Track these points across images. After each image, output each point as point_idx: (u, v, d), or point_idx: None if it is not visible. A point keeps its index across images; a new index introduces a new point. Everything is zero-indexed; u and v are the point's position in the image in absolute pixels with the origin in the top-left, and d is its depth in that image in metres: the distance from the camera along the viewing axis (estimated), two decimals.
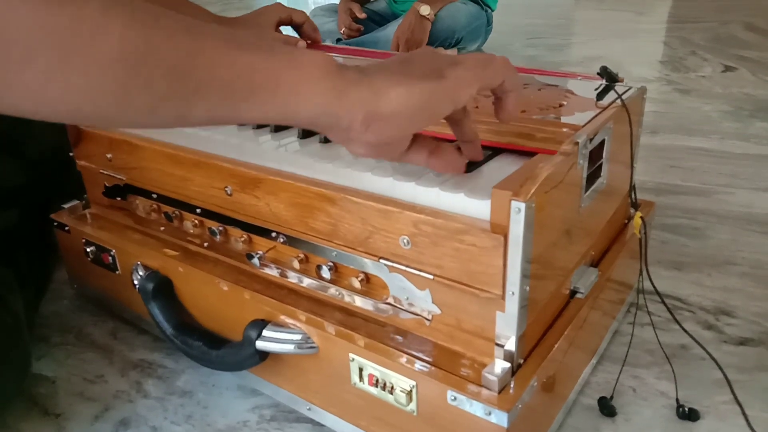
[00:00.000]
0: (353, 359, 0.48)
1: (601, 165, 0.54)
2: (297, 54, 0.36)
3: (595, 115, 0.53)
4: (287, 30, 0.89)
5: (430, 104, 0.38)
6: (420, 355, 0.46)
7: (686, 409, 0.56)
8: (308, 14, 2.28)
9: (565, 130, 0.50)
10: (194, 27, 0.33)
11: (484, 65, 0.41)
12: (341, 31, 2.02)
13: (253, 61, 0.34)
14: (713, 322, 0.69)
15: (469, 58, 0.41)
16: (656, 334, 0.63)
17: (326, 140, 0.54)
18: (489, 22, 2.08)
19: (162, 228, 0.65)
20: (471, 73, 0.39)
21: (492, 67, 0.41)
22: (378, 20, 2.10)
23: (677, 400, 0.57)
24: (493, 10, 2.09)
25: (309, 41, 0.89)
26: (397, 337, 0.49)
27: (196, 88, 0.32)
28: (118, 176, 0.66)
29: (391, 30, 1.88)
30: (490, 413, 0.42)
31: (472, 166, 0.47)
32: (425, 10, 1.82)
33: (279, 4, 0.89)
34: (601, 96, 0.56)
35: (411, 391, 0.45)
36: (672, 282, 0.77)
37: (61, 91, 0.30)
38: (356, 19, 2.01)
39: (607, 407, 0.57)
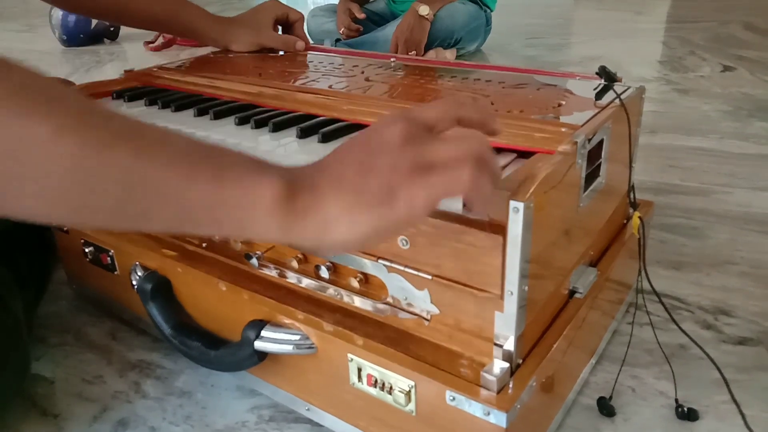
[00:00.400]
0: (352, 359, 0.48)
1: (599, 165, 0.54)
2: (248, 184, 0.34)
3: (594, 115, 0.53)
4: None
5: (380, 234, 0.36)
6: (419, 355, 0.46)
7: (685, 408, 0.56)
8: (308, 14, 2.27)
9: (563, 129, 0.50)
10: (147, 149, 0.33)
11: (451, 174, 0.35)
12: (340, 32, 2.02)
13: (201, 197, 0.34)
14: (712, 321, 0.69)
15: (439, 162, 0.35)
16: (655, 333, 0.63)
17: (325, 139, 0.54)
18: (488, 22, 2.08)
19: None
20: (429, 192, 0.35)
21: (460, 172, 0.35)
22: (377, 20, 2.10)
23: (676, 399, 0.57)
24: (492, 10, 2.09)
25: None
26: (396, 337, 0.49)
27: (146, 213, 0.33)
28: None
29: (390, 30, 1.88)
30: (489, 413, 0.42)
31: None
32: (424, 10, 1.82)
33: (276, 1, 0.89)
34: (599, 96, 0.56)
35: (410, 391, 0.45)
36: (671, 282, 0.77)
37: (16, 201, 0.31)
38: (355, 20, 2.01)
39: (606, 407, 0.57)
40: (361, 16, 2.01)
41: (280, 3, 0.88)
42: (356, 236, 0.35)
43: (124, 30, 2.58)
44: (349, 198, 0.35)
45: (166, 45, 2.34)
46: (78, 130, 0.31)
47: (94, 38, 2.49)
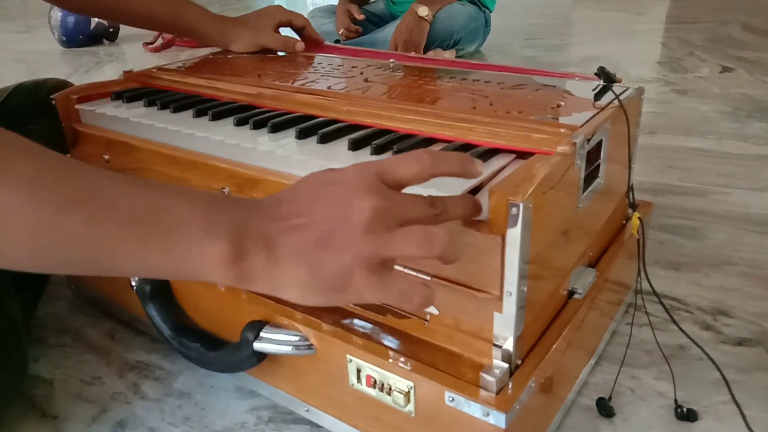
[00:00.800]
0: (351, 360, 0.48)
1: (598, 165, 0.54)
2: (195, 249, 0.35)
3: (593, 116, 0.53)
4: (287, 31, 0.89)
5: (329, 304, 0.37)
6: (418, 356, 0.46)
7: (684, 409, 0.56)
8: (306, 16, 2.28)
9: (562, 130, 0.49)
10: (97, 217, 0.34)
11: (403, 293, 0.36)
12: (339, 33, 2.02)
13: (154, 262, 0.35)
14: (711, 322, 0.69)
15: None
16: (654, 334, 0.63)
17: (323, 140, 0.54)
18: (487, 23, 2.08)
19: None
20: (380, 296, 0.35)
21: (411, 293, 0.36)
22: (376, 21, 2.11)
23: (675, 400, 0.57)
24: (491, 11, 2.09)
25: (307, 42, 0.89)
26: (395, 338, 0.49)
27: (107, 271, 0.36)
28: None
29: (389, 31, 1.88)
30: (488, 414, 0.42)
31: None
32: (423, 11, 1.82)
33: (279, 7, 0.89)
34: (598, 97, 0.56)
35: (409, 392, 0.45)
36: (670, 282, 0.77)
37: None
38: (354, 21, 2.01)
39: (605, 408, 0.57)
40: (360, 17, 2.01)
41: (283, 8, 0.88)
42: (305, 304, 0.36)
43: (124, 31, 2.58)
44: (303, 276, 0.35)
45: (166, 46, 2.34)
46: (31, 195, 0.33)
47: (94, 39, 2.49)
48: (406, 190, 0.38)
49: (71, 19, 2.38)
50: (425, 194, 0.39)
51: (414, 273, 0.45)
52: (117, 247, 0.34)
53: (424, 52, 1.87)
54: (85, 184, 0.35)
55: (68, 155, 0.70)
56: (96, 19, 2.41)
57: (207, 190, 0.57)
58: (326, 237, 0.35)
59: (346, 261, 0.35)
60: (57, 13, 2.39)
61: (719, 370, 0.55)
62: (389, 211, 0.35)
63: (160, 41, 2.34)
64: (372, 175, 0.37)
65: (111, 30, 2.53)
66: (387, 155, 0.51)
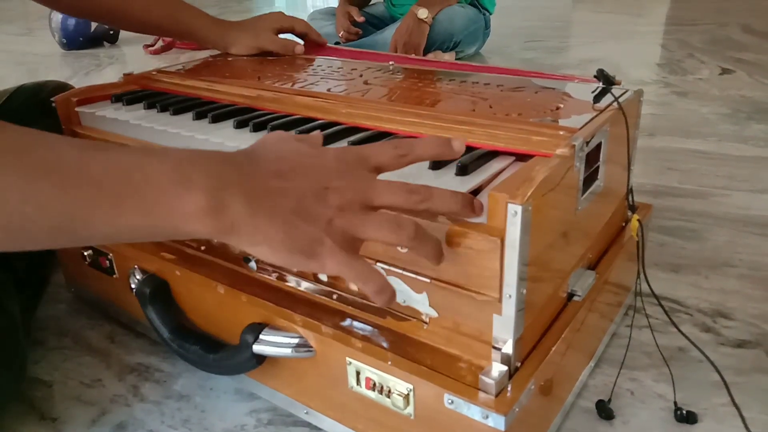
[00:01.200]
0: (350, 363, 0.48)
1: (597, 168, 0.54)
2: (172, 201, 0.35)
3: (592, 118, 0.53)
4: (290, 37, 0.89)
5: (293, 266, 0.38)
6: (417, 358, 0.46)
7: (684, 411, 0.56)
8: (306, 18, 2.27)
9: (561, 132, 0.50)
10: (68, 184, 0.34)
11: (364, 278, 0.38)
12: (339, 35, 2.02)
13: (131, 222, 0.35)
14: (711, 324, 0.69)
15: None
16: (654, 336, 0.63)
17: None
18: (487, 26, 2.08)
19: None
20: (341, 270, 0.38)
21: (372, 282, 0.38)
22: (376, 23, 2.11)
23: (675, 402, 0.57)
24: (491, 13, 2.09)
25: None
26: (395, 340, 0.49)
27: (83, 238, 0.35)
28: None
29: (389, 33, 1.88)
30: (487, 416, 0.42)
31: (468, 169, 0.47)
32: (423, 13, 1.82)
33: (281, 12, 0.89)
34: (597, 99, 0.56)
35: (408, 394, 0.45)
36: (669, 284, 0.77)
37: None
38: (354, 23, 2.01)
39: (605, 410, 0.57)
40: (360, 19, 2.01)
41: (285, 15, 0.88)
42: (271, 261, 0.38)
43: (124, 33, 2.58)
44: (277, 236, 0.36)
45: (166, 48, 2.34)
46: None
47: (94, 41, 2.49)
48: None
49: (71, 21, 2.38)
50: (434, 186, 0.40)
51: (412, 275, 0.45)
52: (91, 213, 0.34)
53: (424, 55, 1.87)
54: (51, 154, 0.34)
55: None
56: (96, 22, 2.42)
57: None
58: (303, 205, 0.37)
59: (318, 231, 0.37)
60: (57, 16, 2.39)
61: (718, 372, 0.55)
62: (365, 193, 0.38)
63: (160, 43, 2.34)
64: (353, 158, 0.39)
65: (111, 32, 2.53)
66: None
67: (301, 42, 0.89)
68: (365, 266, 0.38)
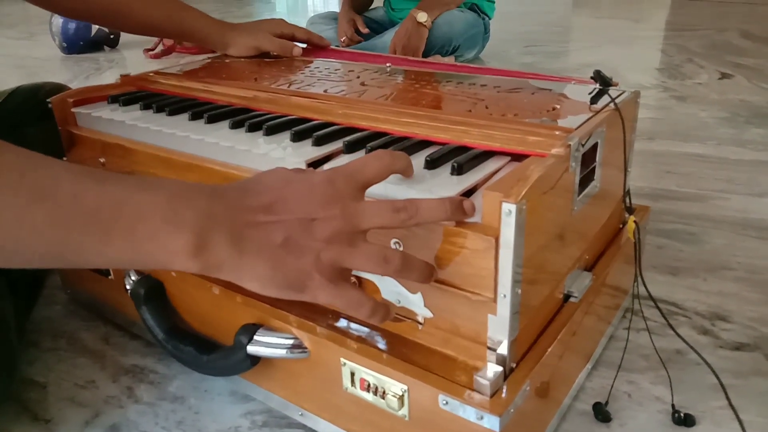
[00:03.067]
0: (345, 363, 0.48)
1: (594, 169, 0.54)
2: (160, 240, 0.36)
3: (588, 119, 0.52)
4: None
5: (285, 298, 0.39)
6: (412, 359, 0.46)
7: (682, 414, 0.55)
8: (306, 22, 2.27)
9: (557, 133, 0.49)
10: (60, 213, 0.35)
11: (354, 308, 0.39)
12: (341, 40, 2.02)
13: (119, 254, 0.36)
14: (709, 327, 0.69)
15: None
16: (652, 339, 0.63)
17: (318, 143, 0.54)
18: (486, 30, 2.08)
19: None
20: (332, 301, 0.39)
21: (362, 311, 0.40)
22: (375, 28, 2.11)
23: (673, 405, 0.56)
24: (490, 18, 2.10)
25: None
26: (389, 341, 0.48)
27: (74, 263, 0.36)
28: None
29: (388, 37, 1.88)
30: (482, 417, 0.41)
31: (463, 169, 0.47)
32: (422, 16, 1.82)
33: (282, 20, 0.89)
34: (594, 100, 0.56)
35: (403, 395, 0.45)
36: (667, 287, 0.76)
37: None
38: (358, 32, 2.02)
39: (602, 413, 0.56)
40: (365, 30, 2.02)
41: (286, 22, 0.88)
42: (265, 294, 0.38)
43: (124, 37, 2.58)
44: (266, 272, 0.37)
45: (166, 52, 2.34)
46: None
47: (94, 45, 2.50)
48: (402, 187, 0.40)
49: (72, 25, 2.39)
50: (420, 198, 0.40)
51: None
52: (82, 242, 0.35)
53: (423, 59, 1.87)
54: (47, 179, 0.35)
55: (64, 158, 0.70)
56: (97, 26, 2.42)
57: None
58: (291, 240, 0.37)
59: (307, 265, 0.37)
60: (58, 20, 2.39)
61: (716, 375, 0.55)
62: (352, 219, 0.38)
63: (160, 47, 2.35)
64: (340, 180, 0.39)
65: (112, 36, 2.53)
66: None
67: (302, 45, 0.89)
68: (355, 294, 0.39)
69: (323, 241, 0.37)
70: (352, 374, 0.47)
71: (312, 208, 0.38)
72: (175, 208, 0.36)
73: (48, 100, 0.68)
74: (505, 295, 0.41)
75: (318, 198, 0.38)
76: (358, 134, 0.55)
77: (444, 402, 0.43)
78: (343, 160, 0.51)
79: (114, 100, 0.70)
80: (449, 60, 1.96)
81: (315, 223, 0.38)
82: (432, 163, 0.48)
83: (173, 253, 0.36)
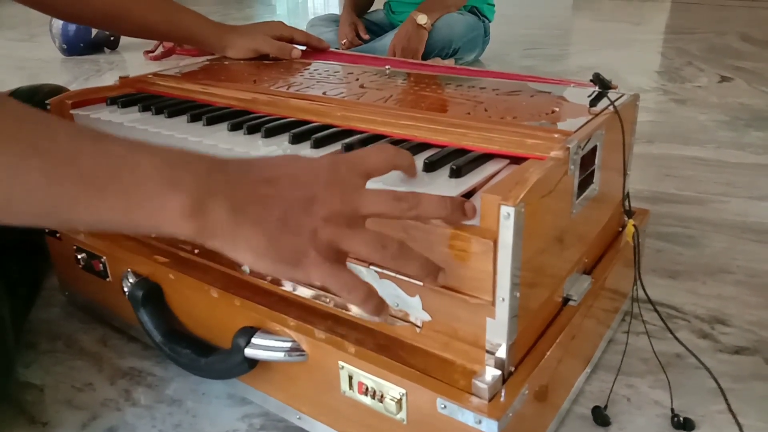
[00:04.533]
0: (343, 367, 0.47)
1: (593, 171, 0.54)
2: (156, 200, 0.35)
3: (587, 122, 0.52)
4: None
5: (277, 274, 0.38)
6: (410, 362, 0.46)
7: (681, 418, 0.55)
8: (306, 25, 2.27)
9: (556, 135, 0.49)
10: (56, 167, 0.34)
11: (349, 289, 0.38)
12: (342, 43, 2.02)
13: (114, 212, 0.35)
14: (708, 330, 0.69)
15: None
16: (651, 342, 0.63)
17: (317, 145, 0.54)
18: (486, 33, 2.09)
19: (153, 235, 0.64)
20: (325, 280, 0.37)
21: (355, 294, 0.38)
22: (375, 30, 2.11)
23: (672, 409, 0.56)
24: (490, 21, 2.10)
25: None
26: (387, 344, 0.48)
27: (66, 221, 0.36)
28: None
29: (388, 40, 1.89)
30: (480, 421, 0.41)
31: (462, 171, 0.47)
32: (422, 19, 1.82)
33: (281, 22, 0.89)
34: (593, 103, 0.56)
35: (401, 399, 0.45)
36: (667, 290, 0.76)
37: None
38: (358, 36, 2.02)
39: (601, 416, 0.56)
40: (366, 37, 2.02)
41: (285, 25, 0.88)
42: (255, 269, 0.38)
43: (124, 39, 2.58)
44: (261, 245, 0.36)
45: (166, 54, 2.34)
46: None
47: (94, 47, 2.50)
48: (402, 187, 0.40)
49: (72, 27, 2.39)
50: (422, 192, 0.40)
51: (406, 278, 0.45)
52: (76, 200, 0.34)
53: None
54: (45, 136, 0.34)
55: None
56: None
57: None
58: (290, 215, 0.37)
59: (303, 241, 0.37)
60: (58, 22, 2.39)
61: (715, 379, 0.55)
62: (353, 203, 0.38)
63: (160, 49, 2.35)
64: (344, 166, 0.39)
65: (112, 38, 2.53)
66: None
67: (301, 48, 0.89)
68: (350, 277, 0.38)
69: (321, 219, 0.37)
70: (350, 378, 0.47)
71: (314, 188, 0.37)
72: (174, 171, 0.36)
73: (47, 101, 0.68)
74: (503, 299, 0.41)
75: (320, 179, 0.38)
76: (357, 136, 0.55)
77: (442, 406, 0.42)
78: None
79: (113, 101, 0.70)
80: (449, 62, 1.96)
81: (315, 201, 0.37)
82: (431, 166, 0.48)
83: (168, 214, 0.35)
